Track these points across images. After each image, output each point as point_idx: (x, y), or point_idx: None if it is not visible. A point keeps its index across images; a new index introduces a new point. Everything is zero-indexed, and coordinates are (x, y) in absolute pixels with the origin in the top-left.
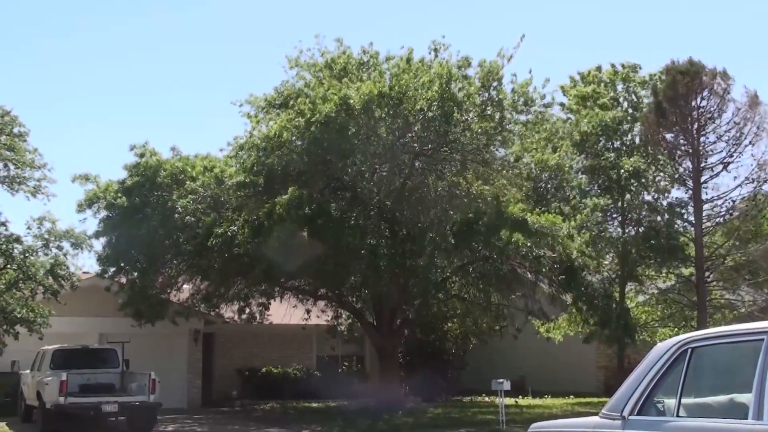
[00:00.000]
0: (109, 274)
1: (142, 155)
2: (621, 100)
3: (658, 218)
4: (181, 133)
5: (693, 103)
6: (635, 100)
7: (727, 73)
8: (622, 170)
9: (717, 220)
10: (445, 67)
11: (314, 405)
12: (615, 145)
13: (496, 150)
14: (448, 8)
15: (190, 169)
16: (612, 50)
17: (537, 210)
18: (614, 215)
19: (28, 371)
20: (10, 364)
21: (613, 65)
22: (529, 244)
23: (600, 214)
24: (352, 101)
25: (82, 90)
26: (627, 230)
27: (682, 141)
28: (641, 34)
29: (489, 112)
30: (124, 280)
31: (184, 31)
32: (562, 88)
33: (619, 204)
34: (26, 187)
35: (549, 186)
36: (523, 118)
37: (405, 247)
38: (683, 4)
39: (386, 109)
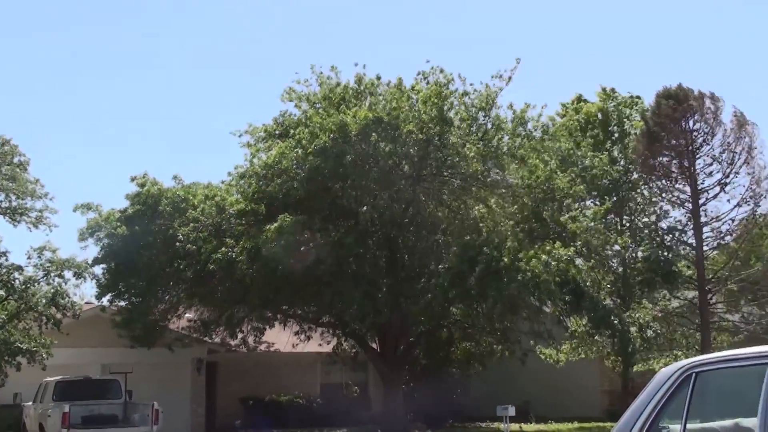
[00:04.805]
0: (108, 298)
1: (143, 185)
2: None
3: (659, 239)
4: (182, 162)
5: (686, 127)
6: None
7: (715, 96)
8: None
9: (717, 241)
10: (433, 89)
11: None
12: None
13: (496, 174)
14: (442, 31)
15: (191, 198)
16: (600, 76)
17: (537, 235)
18: (621, 227)
19: (30, 403)
20: (13, 397)
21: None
22: (529, 272)
23: (601, 224)
24: (348, 127)
25: (84, 118)
26: (630, 250)
27: (675, 164)
28: (626, 61)
29: (487, 136)
30: (123, 305)
31: (185, 58)
32: (559, 114)
33: (621, 213)
34: (28, 218)
35: (545, 206)
36: (519, 141)
37: (405, 274)
38: (666, 29)
39: (382, 134)
